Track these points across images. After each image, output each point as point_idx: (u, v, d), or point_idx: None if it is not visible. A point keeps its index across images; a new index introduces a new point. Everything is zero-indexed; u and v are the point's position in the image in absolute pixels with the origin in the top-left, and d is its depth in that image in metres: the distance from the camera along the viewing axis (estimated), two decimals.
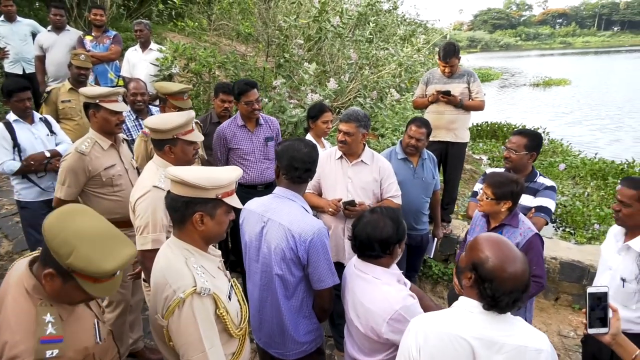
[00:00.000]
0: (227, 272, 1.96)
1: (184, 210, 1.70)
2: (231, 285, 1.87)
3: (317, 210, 3.20)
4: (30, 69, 5.89)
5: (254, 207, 2.30)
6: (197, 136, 2.54)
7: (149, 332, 3.48)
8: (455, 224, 5.11)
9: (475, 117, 12.53)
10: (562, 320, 4.42)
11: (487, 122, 12.69)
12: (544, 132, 11.85)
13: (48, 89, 4.47)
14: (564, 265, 4.54)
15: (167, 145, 2.44)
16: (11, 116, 3.59)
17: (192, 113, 2.59)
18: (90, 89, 2.88)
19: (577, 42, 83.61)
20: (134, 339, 3.25)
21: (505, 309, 1.50)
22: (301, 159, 2.20)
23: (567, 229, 6.93)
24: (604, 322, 1.73)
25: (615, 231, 2.54)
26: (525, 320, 2.74)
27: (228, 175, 1.76)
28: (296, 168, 2.20)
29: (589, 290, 1.74)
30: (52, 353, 1.38)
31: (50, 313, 1.43)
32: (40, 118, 3.75)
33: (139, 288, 3.12)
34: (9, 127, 3.47)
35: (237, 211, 1.96)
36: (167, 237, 2.44)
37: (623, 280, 2.36)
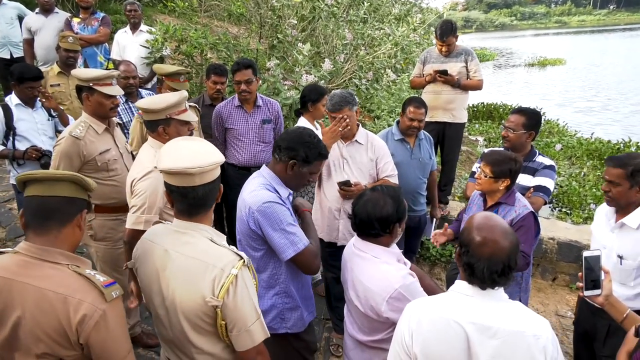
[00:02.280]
0: None
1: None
2: None
3: (315, 181, 3.17)
4: (18, 53, 5.74)
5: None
6: (191, 116, 2.49)
7: (145, 317, 3.47)
8: (452, 206, 5.10)
9: (472, 98, 12.54)
10: (560, 300, 4.44)
11: (483, 103, 12.64)
12: (540, 111, 11.82)
13: None
14: (562, 245, 4.55)
15: (161, 126, 2.39)
16: (13, 100, 3.59)
17: (185, 92, 2.53)
18: (84, 71, 2.79)
19: (572, 21, 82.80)
20: (131, 324, 3.22)
21: (485, 281, 1.47)
22: (284, 138, 2.19)
23: (564, 209, 6.95)
24: (596, 284, 1.80)
25: (606, 210, 2.52)
26: (520, 300, 2.78)
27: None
28: (274, 148, 2.20)
29: (585, 254, 1.80)
30: None
31: None
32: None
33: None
34: (6, 111, 3.46)
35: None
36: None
37: (620, 257, 2.34)
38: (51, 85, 4.24)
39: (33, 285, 1.42)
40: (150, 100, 2.44)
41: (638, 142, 8.93)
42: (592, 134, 10.01)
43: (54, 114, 3.83)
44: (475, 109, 12.27)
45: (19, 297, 1.42)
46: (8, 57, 5.74)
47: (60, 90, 4.26)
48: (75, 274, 1.47)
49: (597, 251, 1.80)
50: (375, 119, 7.56)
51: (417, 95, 3.62)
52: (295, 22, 5.85)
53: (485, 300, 1.49)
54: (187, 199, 1.62)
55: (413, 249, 3.98)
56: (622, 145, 8.85)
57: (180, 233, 1.66)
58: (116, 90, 2.78)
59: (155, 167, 2.27)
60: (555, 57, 26.80)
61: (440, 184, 4.87)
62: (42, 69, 4.48)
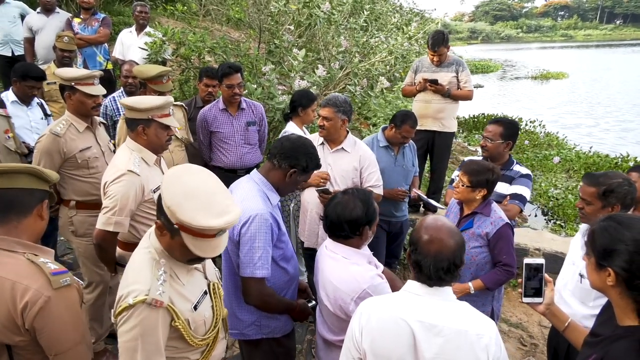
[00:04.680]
0: (212, 272, 1.87)
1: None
2: (206, 291, 1.76)
3: (304, 187, 3.23)
4: (19, 51, 5.83)
5: (233, 184, 2.31)
6: (173, 122, 2.54)
7: None
8: (442, 213, 5.13)
9: (473, 109, 12.65)
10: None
11: (483, 113, 12.70)
12: (540, 124, 11.87)
13: None
14: (547, 256, 4.57)
15: (141, 126, 2.45)
16: (9, 96, 3.65)
17: (171, 98, 2.59)
18: (66, 71, 2.86)
19: (578, 35, 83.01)
20: (114, 320, 3.26)
21: (431, 277, 1.52)
22: (286, 147, 2.19)
23: (558, 222, 6.98)
24: (538, 292, 1.80)
25: (584, 227, 2.53)
26: (493, 308, 2.82)
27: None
28: (274, 154, 2.20)
29: (526, 261, 1.81)
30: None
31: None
32: (38, 102, 3.86)
33: (118, 270, 3.14)
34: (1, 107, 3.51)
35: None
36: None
37: (581, 276, 2.33)
38: (47, 83, 4.32)
39: None
40: (135, 99, 2.51)
41: (637, 157, 8.92)
42: (590, 147, 10.03)
43: (49, 113, 3.90)
44: (475, 119, 12.32)
45: None
46: (9, 54, 5.83)
47: (57, 89, 4.31)
48: (28, 262, 1.50)
49: (539, 259, 1.82)
50: (372, 126, 7.62)
51: (411, 111, 3.67)
52: (292, 28, 5.93)
53: (433, 300, 1.53)
54: None
55: (395, 254, 4.01)
56: (619, 159, 8.86)
57: (149, 242, 1.65)
58: (97, 90, 2.85)
59: (129, 170, 2.33)
60: (558, 71, 26.86)
61: (428, 191, 4.91)
62: (41, 68, 4.55)
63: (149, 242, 1.64)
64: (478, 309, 2.63)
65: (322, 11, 5.64)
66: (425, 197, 3.90)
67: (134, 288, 1.51)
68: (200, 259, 1.61)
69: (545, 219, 7.35)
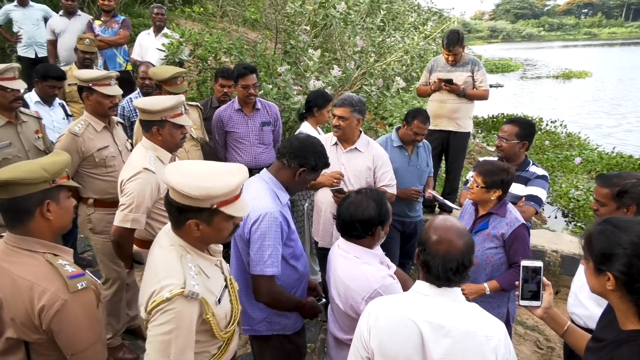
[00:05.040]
0: (226, 267, 1.91)
1: (178, 216, 1.60)
2: (225, 285, 1.80)
3: (317, 187, 3.24)
4: (43, 53, 6.00)
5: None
6: (186, 120, 2.58)
7: None
8: (456, 214, 5.09)
9: (492, 109, 12.48)
10: (562, 313, 4.37)
11: (503, 113, 12.54)
12: (561, 124, 11.66)
13: None
14: (565, 258, 4.50)
15: (155, 127, 2.50)
16: (32, 97, 3.78)
17: (182, 97, 2.63)
18: (84, 72, 2.94)
19: (602, 33, 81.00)
20: (131, 316, 3.34)
21: (440, 278, 1.51)
22: (295, 146, 2.21)
23: (579, 224, 6.86)
24: (536, 295, 1.77)
25: None
26: (508, 310, 2.78)
27: (226, 183, 1.57)
28: (283, 153, 2.22)
29: (523, 263, 1.78)
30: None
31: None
32: (60, 103, 3.98)
33: (135, 267, 3.20)
34: (25, 107, 3.61)
35: None
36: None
37: None
38: (69, 85, 4.43)
39: (10, 270, 1.51)
40: (148, 100, 2.55)
41: None
42: (613, 148, 9.82)
43: (70, 114, 4.01)
44: (494, 119, 12.18)
45: (1, 279, 1.52)
46: (33, 56, 6.00)
47: (77, 90, 4.45)
48: (47, 263, 1.54)
49: (537, 262, 1.78)
50: (388, 126, 7.60)
51: (422, 108, 3.66)
52: (308, 28, 5.95)
53: (442, 300, 1.53)
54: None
55: (409, 254, 3.99)
56: None
57: (167, 236, 1.70)
58: (114, 90, 2.92)
59: (145, 168, 2.38)
60: (580, 70, 26.31)
61: (443, 192, 4.88)
62: (62, 69, 4.67)
63: (170, 239, 1.67)
64: (493, 310, 2.68)
65: (337, 11, 5.65)
66: (440, 197, 3.87)
67: (169, 282, 1.53)
68: (232, 232, 1.70)
69: (565, 221, 7.23)
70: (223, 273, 1.83)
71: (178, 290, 1.51)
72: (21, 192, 1.51)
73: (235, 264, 2.25)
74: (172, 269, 1.58)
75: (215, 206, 1.55)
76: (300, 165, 2.18)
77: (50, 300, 1.47)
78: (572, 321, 2.61)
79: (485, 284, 2.66)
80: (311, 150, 2.20)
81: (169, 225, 1.73)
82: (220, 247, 1.87)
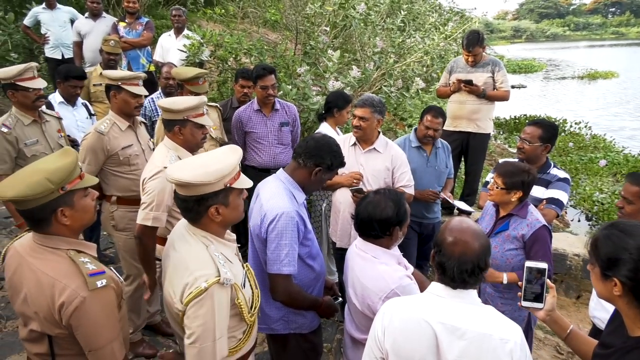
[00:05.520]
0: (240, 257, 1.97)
1: (197, 208, 1.67)
2: (245, 271, 1.89)
3: (336, 188, 3.26)
4: (69, 54, 6.16)
5: (260, 183, 2.36)
6: (207, 120, 2.63)
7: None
8: (476, 216, 5.03)
9: (514, 110, 12.27)
10: (583, 319, 4.29)
11: (525, 114, 12.34)
12: (585, 126, 11.41)
13: None
14: (587, 262, 4.39)
15: (177, 126, 2.55)
16: (56, 98, 3.89)
17: (204, 98, 2.69)
18: (113, 72, 3.03)
19: (631, 32, 78.75)
20: (151, 312, 3.39)
21: (455, 280, 1.51)
22: (311, 146, 2.23)
23: None
24: (539, 297, 1.74)
25: None
26: (529, 316, 2.74)
27: (230, 161, 1.70)
28: (299, 153, 2.24)
29: (527, 264, 1.76)
30: None
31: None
32: (82, 103, 4.08)
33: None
34: (49, 108, 3.72)
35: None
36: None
37: None
38: (94, 85, 4.55)
39: (35, 266, 1.56)
40: (171, 100, 2.61)
41: None
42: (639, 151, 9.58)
43: (93, 113, 4.12)
44: (516, 120, 12.00)
45: (27, 275, 1.57)
46: (60, 57, 6.17)
47: (102, 90, 4.52)
48: (68, 260, 1.57)
49: (542, 263, 1.74)
50: (407, 127, 7.57)
51: (435, 105, 3.64)
52: (328, 29, 5.97)
53: (457, 302, 1.52)
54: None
55: (427, 256, 3.95)
56: None
57: (187, 231, 1.77)
58: (141, 90, 2.99)
59: (165, 166, 2.43)
60: (606, 70, 25.66)
61: (463, 194, 4.84)
62: (88, 70, 4.80)
63: (191, 233, 1.74)
64: (514, 313, 2.66)
65: (357, 12, 5.65)
66: (452, 200, 3.82)
67: (202, 273, 1.61)
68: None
69: (589, 225, 7.08)
70: (240, 261, 1.90)
71: (214, 279, 1.59)
72: (32, 205, 1.53)
73: (252, 263, 2.27)
74: (202, 260, 1.65)
75: (228, 185, 1.68)
76: (316, 164, 2.20)
77: (69, 297, 1.50)
78: (594, 325, 2.57)
79: (505, 275, 2.64)
80: (327, 149, 2.21)
81: (182, 222, 1.82)
82: (234, 236, 1.92)
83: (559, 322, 1.75)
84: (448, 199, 3.65)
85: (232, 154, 1.76)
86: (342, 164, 2.32)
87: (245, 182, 1.78)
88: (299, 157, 2.22)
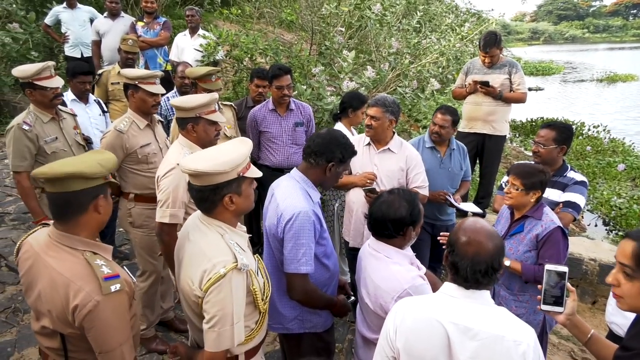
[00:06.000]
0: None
1: (213, 197, 1.73)
2: (257, 261, 1.92)
3: (348, 188, 3.26)
4: (88, 53, 6.27)
5: (273, 182, 2.37)
6: (219, 117, 2.66)
7: (178, 302, 3.67)
8: (490, 219, 4.99)
9: (531, 112, 12.13)
10: (598, 324, 4.23)
11: (542, 117, 12.20)
12: (604, 129, 11.22)
13: (99, 71, 4.77)
14: (604, 267, 4.34)
15: (190, 124, 2.58)
16: (69, 96, 3.95)
17: (215, 95, 2.71)
18: (131, 71, 3.06)
19: None
20: (164, 308, 3.43)
21: (468, 280, 1.49)
22: (318, 143, 2.22)
23: (620, 233, 6.60)
24: (559, 301, 1.72)
25: None
26: (545, 319, 2.70)
27: (241, 151, 1.78)
28: (308, 154, 2.24)
29: (547, 267, 1.73)
30: None
31: None
32: (95, 100, 4.13)
33: None
34: (63, 106, 3.78)
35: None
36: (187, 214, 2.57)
37: None
38: (112, 83, 4.61)
39: (50, 265, 1.58)
40: (183, 98, 2.65)
41: None
42: None
43: (105, 110, 4.18)
44: (533, 123, 11.87)
45: (42, 272, 1.60)
46: (79, 56, 6.28)
47: (120, 88, 4.60)
48: (84, 262, 1.59)
49: (562, 267, 1.72)
50: (421, 129, 7.53)
51: (448, 104, 3.61)
52: (343, 30, 5.98)
53: (469, 302, 1.51)
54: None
55: (440, 258, 3.95)
56: None
57: (200, 221, 1.81)
58: (158, 89, 3.03)
59: (179, 163, 2.47)
60: (626, 73, 25.20)
61: (477, 196, 4.80)
62: (106, 68, 4.87)
63: (206, 222, 1.78)
64: (529, 316, 2.62)
65: (373, 13, 5.65)
66: (459, 204, 3.73)
67: (220, 260, 1.65)
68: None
69: (606, 230, 6.97)
70: (251, 251, 1.93)
71: (231, 265, 1.64)
72: (78, 187, 1.56)
73: (268, 263, 2.28)
74: (219, 248, 1.70)
75: (241, 174, 1.74)
76: (327, 161, 2.20)
77: (84, 299, 1.52)
78: (611, 330, 2.53)
79: (508, 261, 2.62)
80: (335, 143, 2.21)
81: (194, 215, 1.88)
82: (245, 228, 1.95)
83: (579, 327, 1.73)
84: (454, 202, 3.57)
85: (242, 145, 1.83)
86: (354, 153, 2.31)
87: (255, 172, 1.84)
88: (310, 157, 2.22)
